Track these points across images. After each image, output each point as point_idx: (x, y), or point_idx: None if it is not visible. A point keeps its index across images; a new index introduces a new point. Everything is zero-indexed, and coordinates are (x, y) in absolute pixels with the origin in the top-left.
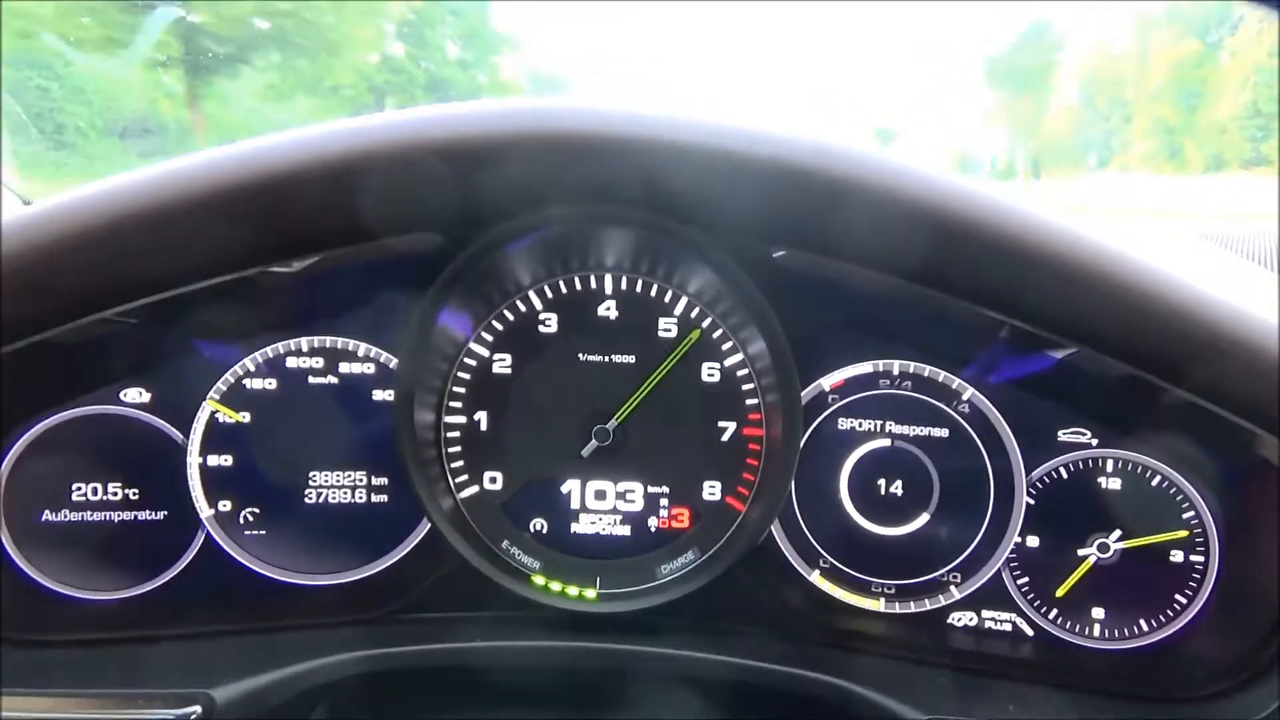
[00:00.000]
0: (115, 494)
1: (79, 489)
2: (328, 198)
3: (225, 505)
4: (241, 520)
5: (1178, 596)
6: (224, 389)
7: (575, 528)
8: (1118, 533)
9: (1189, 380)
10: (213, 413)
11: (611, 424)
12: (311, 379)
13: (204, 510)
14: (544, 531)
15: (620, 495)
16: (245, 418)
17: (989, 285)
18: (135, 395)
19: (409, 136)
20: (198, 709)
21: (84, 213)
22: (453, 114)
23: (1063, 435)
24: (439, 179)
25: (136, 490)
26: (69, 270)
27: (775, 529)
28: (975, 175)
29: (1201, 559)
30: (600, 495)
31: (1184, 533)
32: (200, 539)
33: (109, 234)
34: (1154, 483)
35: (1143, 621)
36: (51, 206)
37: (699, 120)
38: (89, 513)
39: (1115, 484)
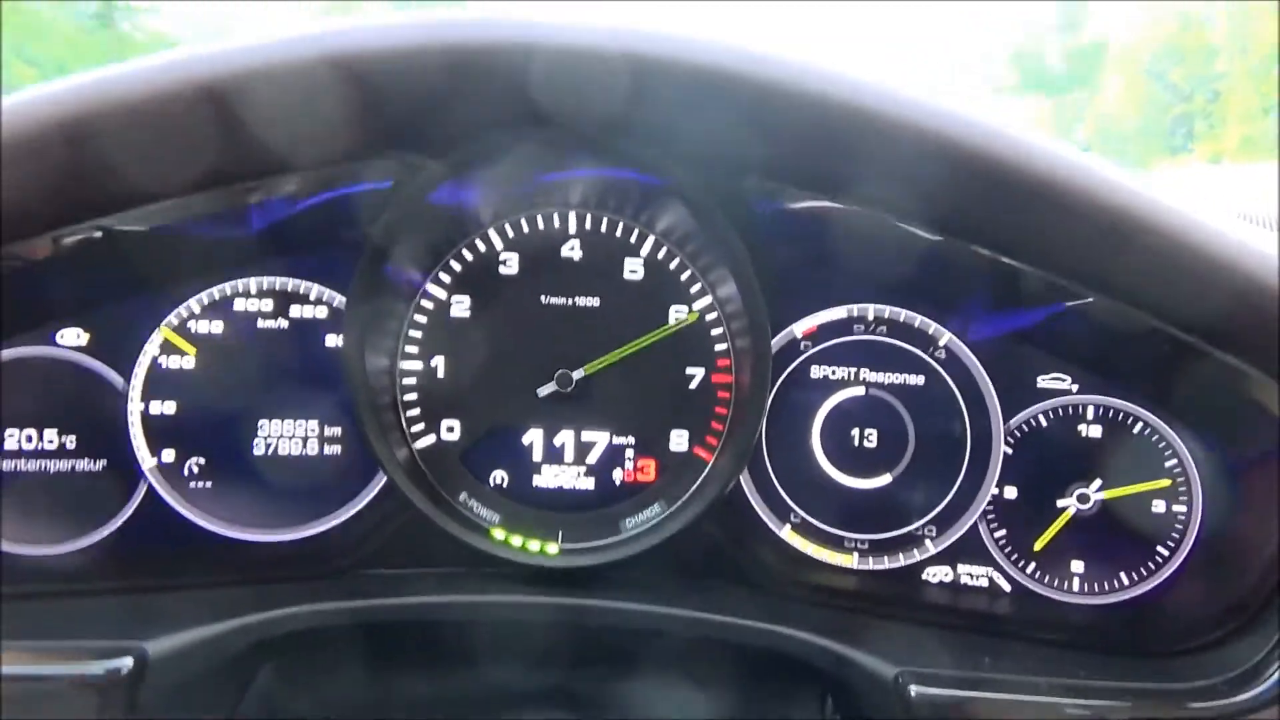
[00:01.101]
0: (51, 442)
1: (11, 435)
2: (271, 112)
3: (169, 455)
4: (186, 471)
5: (1159, 549)
6: (168, 331)
7: (537, 480)
8: (1098, 482)
9: (1200, 326)
10: (155, 356)
11: (578, 374)
12: (261, 322)
13: (146, 460)
14: (505, 484)
15: (584, 446)
16: (190, 361)
17: (1005, 228)
18: (73, 337)
19: (349, 46)
20: (129, 661)
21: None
22: (399, 24)
23: (1042, 381)
24: (386, 97)
25: (74, 437)
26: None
27: (745, 482)
28: None
29: (1184, 509)
30: (563, 446)
31: (1166, 481)
32: (142, 490)
33: (38, 145)
34: (1136, 430)
35: (1123, 574)
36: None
37: (662, 32)
38: (22, 461)
39: (1096, 432)
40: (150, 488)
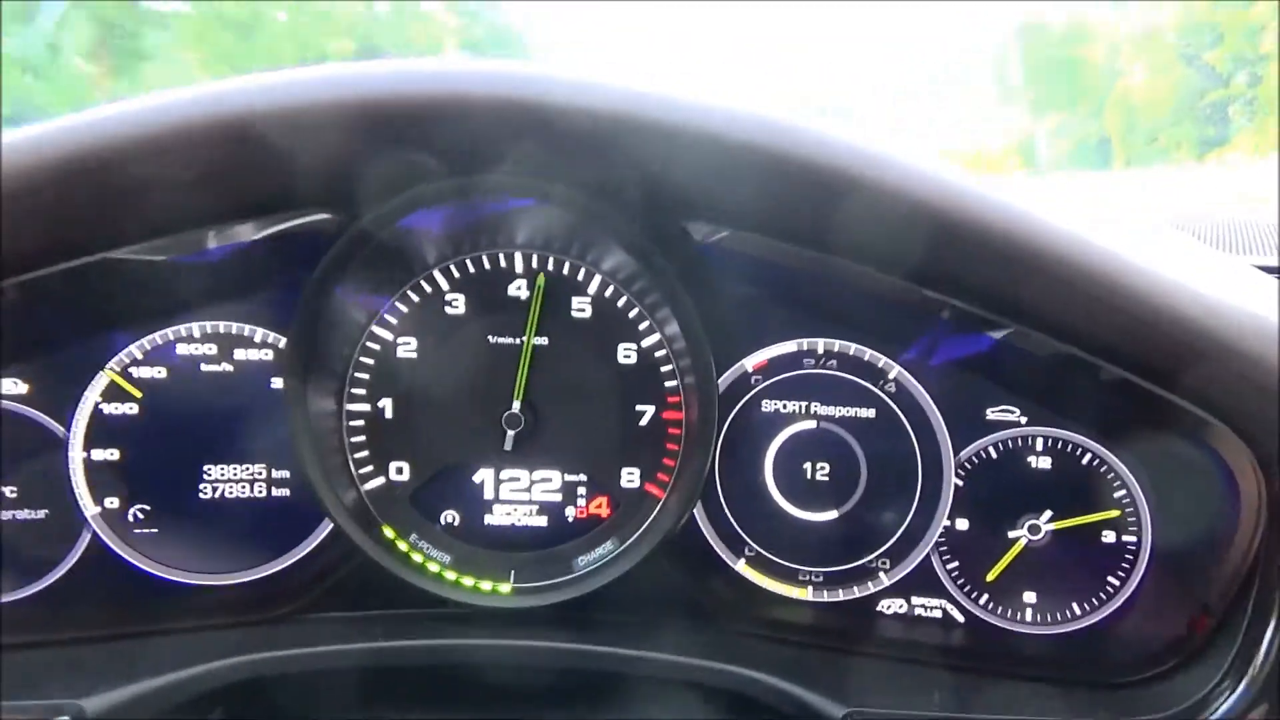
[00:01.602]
0: None
1: None
2: (210, 164)
3: (112, 502)
4: (130, 518)
5: (1110, 578)
6: (108, 379)
7: (489, 519)
8: (1049, 513)
9: (1145, 368)
10: (96, 404)
11: (515, 405)
12: (204, 366)
13: (89, 508)
14: (455, 524)
15: (536, 484)
16: (133, 409)
17: (927, 262)
18: (10, 386)
19: (303, 96)
20: None
21: None
22: (349, 73)
23: (991, 414)
24: (329, 144)
25: (14, 488)
26: None
27: (700, 517)
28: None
29: (1134, 539)
30: (515, 484)
31: (1116, 512)
32: (86, 539)
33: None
34: (1084, 461)
35: (1075, 605)
36: None
37: (607, 83)
38: None
39: (1045, 463)
40: (94, 535)
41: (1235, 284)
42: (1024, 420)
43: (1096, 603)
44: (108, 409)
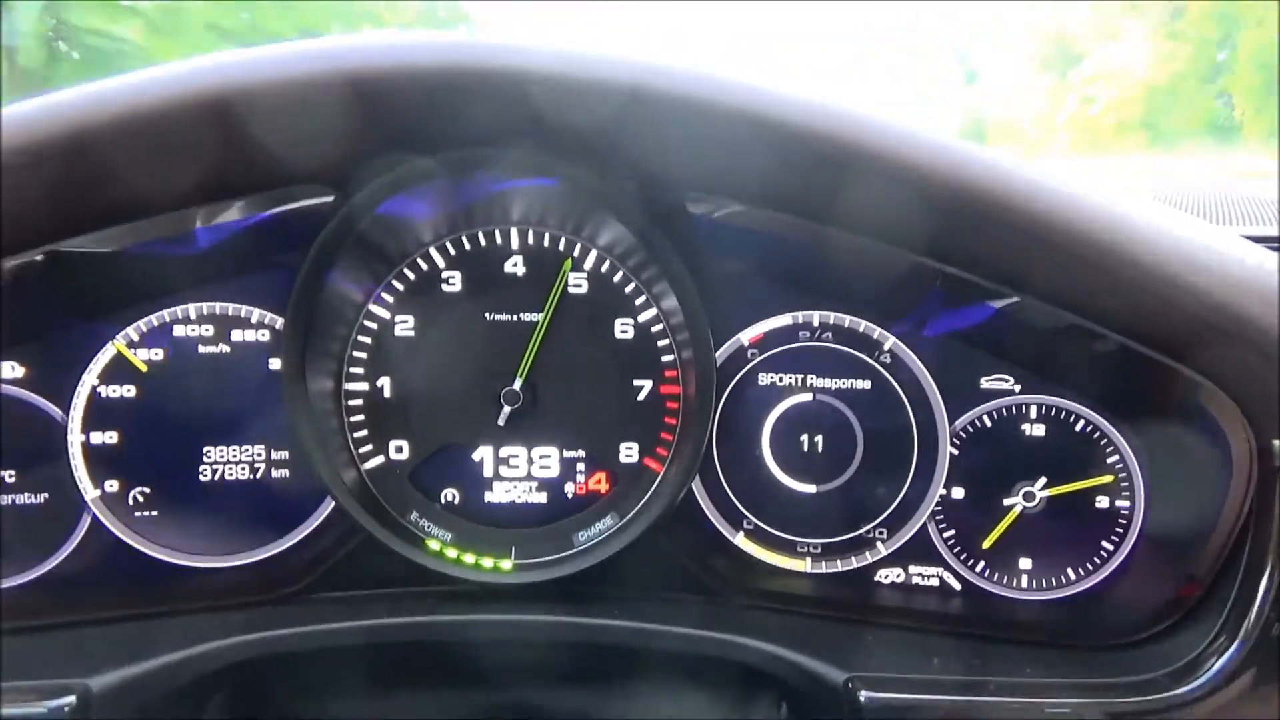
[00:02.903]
0: None
1: None
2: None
3: (112, 485)
4: (131, 501)
5: (1104, 543)
6: (105, 361)
7: (489, 496)
8: (1043, 480)
9: (1153, 339)
10: (94, 387)
11: (517, 383)
12: (201, 348)
13: (89, 491)
14: (456, 501)
15: (535, 461)
16: (131, 391)
17: (931, 234)
18: (8, 370)
19: (297, 69)
20: (72, 700)
21: None
22: (340, 46)
23: (985, 383)
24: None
25: (13, 472)
26: None
27: (698, 491)
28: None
29: (1127, 504)
30: (514, 461)
31: (1109, 477)
32: (86, 522)
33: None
34: (1078, 428)
35: (1070, 570)
36: None
37: (605, 56)
38: None
39: (1039, 430)
40: (95, 519)
41: (1233, 251)
42: (1018, 388)
43: (1091, 568)
44: (106, 391)
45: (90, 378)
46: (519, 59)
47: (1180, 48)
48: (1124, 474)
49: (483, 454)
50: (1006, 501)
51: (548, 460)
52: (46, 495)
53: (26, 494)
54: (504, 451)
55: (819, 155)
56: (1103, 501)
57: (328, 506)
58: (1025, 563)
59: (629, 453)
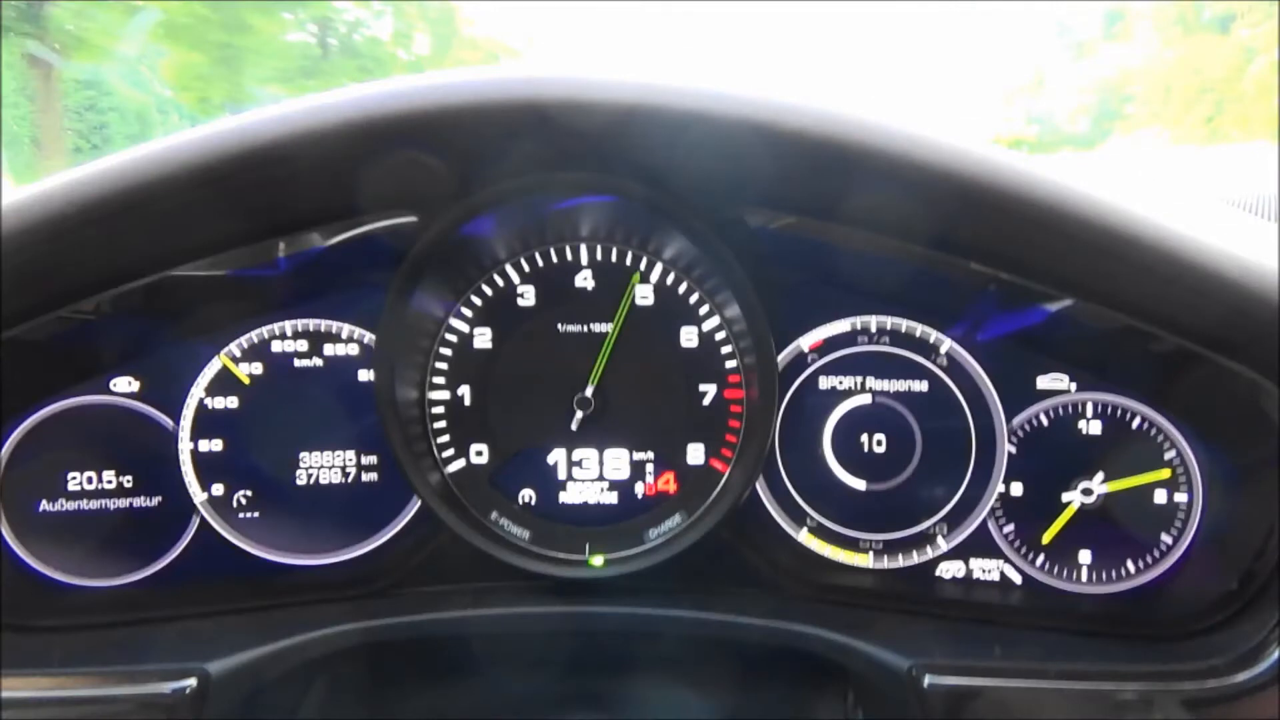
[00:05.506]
0: (110, 482)
1: (74, 478)
2: (312, 173)
3: (218, 489)
4: (234, 504)
5: (1163, 536)
6: (211, 375)
7: (563, 497)
8: (1100, 476)
9: (1198, 334)
10: (201, 399)
11: (588, 390)
12: (297, 361)
13: (197, 495)
14: (533, 502)
15: (606, 463)
16: (234, 402)
17: (989, 245)
18: (125, 384)
19: (383, 109)
20: (193, 682)
21: (62, 197)
22: (422, 85)
23: (1042, 382)
24: (417, 152)
25: (130, 478)
26: (58, 255)
27: (762, 490)
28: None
29: (1185, 498)
30: (587, 464)
31: (1166, 472)
32: (195, 523)
33: (87, 218)
34: (1134, 425)
35: (1130, 563)
36: (36, 192)
37: (667, 83)
38: (84, 501)
39: (1095, 428)
40: (203, 520)
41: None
42: (1073, 387)
43: (1150, 561)
44: (211, 403)
45: (198, 390)
46: (611, 93)
47: None
48: (1181, 469)
49: (557, 457)
50: (1065, 497)
51: (618, 462)
52: (160, 499)
53: (143, 497)
54: (577, 454)
55: (876, 173)
56: (1160, 496)
57: (413, 508)
58: (1085, 556)
59: (695, 454)
